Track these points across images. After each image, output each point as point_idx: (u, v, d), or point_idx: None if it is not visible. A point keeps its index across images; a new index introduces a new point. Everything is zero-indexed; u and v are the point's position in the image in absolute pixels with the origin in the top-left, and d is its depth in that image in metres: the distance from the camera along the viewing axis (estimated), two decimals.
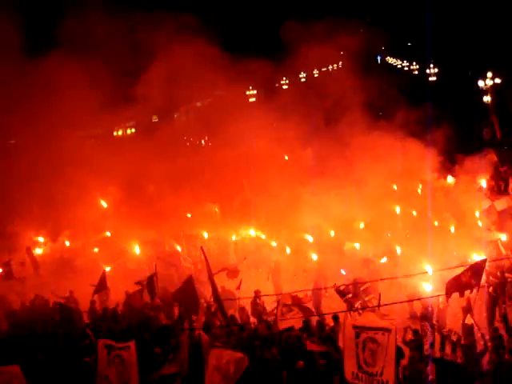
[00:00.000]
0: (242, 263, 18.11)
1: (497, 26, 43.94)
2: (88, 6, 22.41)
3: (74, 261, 20.26)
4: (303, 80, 37.78)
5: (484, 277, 14.88)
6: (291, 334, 13.16)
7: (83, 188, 21.31)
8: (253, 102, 30.92)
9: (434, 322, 13.76)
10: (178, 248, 19.92)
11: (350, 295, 14.36)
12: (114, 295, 16.59)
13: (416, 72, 61.40)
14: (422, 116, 24.59)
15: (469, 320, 12.54)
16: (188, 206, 21.97)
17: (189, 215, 22.03)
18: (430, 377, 11.74)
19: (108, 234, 21.56)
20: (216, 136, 25.29)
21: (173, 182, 21.84)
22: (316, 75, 37.55)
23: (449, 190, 21.41)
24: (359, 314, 13.66)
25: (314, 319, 14.02)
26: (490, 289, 14.62)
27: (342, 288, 14.62)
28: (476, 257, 15.69)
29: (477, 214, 19.33)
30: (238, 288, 15.74)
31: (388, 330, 10.28)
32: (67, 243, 21.58)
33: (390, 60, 71.08)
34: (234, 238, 20.80)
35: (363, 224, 19.78)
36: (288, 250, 19.09)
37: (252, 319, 14.91)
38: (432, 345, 12.04)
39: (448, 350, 12.25)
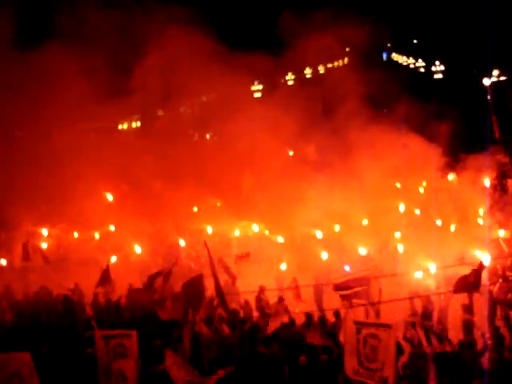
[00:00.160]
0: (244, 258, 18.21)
1: (503, 24, 43.79)
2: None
3: (79, 253, 20.38)
4: (308, 76, 37.75)
5: (486, 275, 15.00)
6: (292, 328, 13.24)
7: (87, 181, 21.40)
8: (258, 98, 30.92)
9: (435, 319, 13.85)
10: (182, 242, 20.00)
11: (349, 291, 14.38)
12: (117, 288, 16.70)
13: (422, 69, 61.26)
14: (426, 113, 24.56)
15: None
16: (191, 201, 22.05)
17: (195, 209, 22.12)
18: (430, 374, 11.82)
19: (112, 227, 21.66)
20: (220, 130, 25.33)
21: (176, 176, 21.92)
22: (321, 71, 37.50)
23: (452, 188, 21.44)
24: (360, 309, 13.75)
25: (316, 315, 14.10)
26: (493, 287, 14.64)
27: (339, 282, 14.64)
28: (479, 254, 15.75)
29: (480, 211, 19.36)
30: (234, 284, 15.87)
31: (388, 327, 10.35)
32: (74, 234, 21.70)
33: (396, 57, 70.89)
34: (236, 233, 20.87)
35: (366, 221, 19.83)
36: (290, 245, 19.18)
37: (255, 313, 15.01)
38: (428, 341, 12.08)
39: (435, 342, 12.33)
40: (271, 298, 15.50)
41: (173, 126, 25.77)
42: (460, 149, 25.57)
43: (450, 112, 25.32)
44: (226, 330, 13.70)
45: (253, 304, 15.37)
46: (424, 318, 13.95)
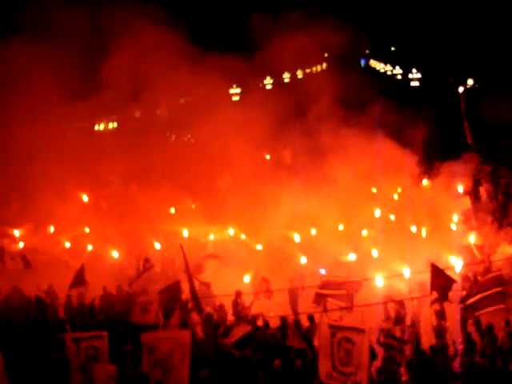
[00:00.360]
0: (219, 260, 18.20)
1: (480, 33, 44.51)
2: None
3: (53, 254, 20.14)
4: (287, 81, 37.89)
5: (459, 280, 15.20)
6: (266, 332, 13.24)
7: (61, 181, 21.17)
8: (236, 101, 30.93)
9: (408, 323, 13.97)
10: (157, 245, 19.88)
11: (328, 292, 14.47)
12: (91, 290, 16.55)
13: (399, 77, 61.90)
14: (402, 120, 24.83)
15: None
16: (166, 203, 21.96)
17: (172, 210, 22.04)
18: (404, 378, 11.91)
19: (86, 229, 21.45)
20: (197, 133, 25.29)
21: (152, 178, 21.82)
22: (300, 76, 37.66)
23: (426, 194, 21.63)
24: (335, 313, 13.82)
25: (291, 318, 14.11)
26: (464, 293, 14.81)
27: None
28: (453, 260, 15.93)
29: (454, 218, 19.58)
30: (209, 287, 15.86)
31: (362, 331, 10.41)
32: (47, 235, 21.43)
33: (374, 64, 71.50)
34: (212, 236, 20.81)
35: (342, 226, 19.93)
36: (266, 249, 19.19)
37: (230, 318, 14.97)
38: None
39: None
40: (247, 301, 15.48)
41: (149, 127, 25.66)
42: (435, 155, 25.85)
43: (425, 119, 25.60)
44: (199, 333, 13.67)
45: (228, 308, 15.33)
46: (396, 323, 14.08)
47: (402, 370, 11.96)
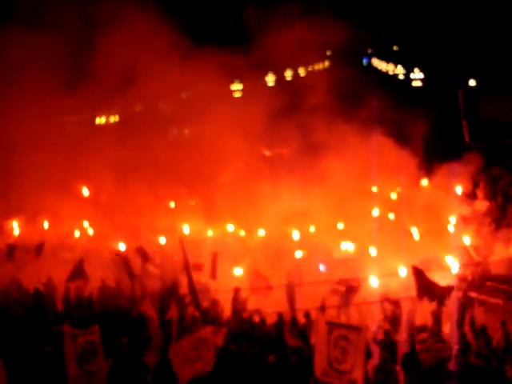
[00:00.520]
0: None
1: (482, 34, 44.48)
2: None
3: (53, 247, 20.16)
4: (289, 78, 37.87)
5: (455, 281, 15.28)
6: (263, 328, 13.30)
7: (61, 174, 21.19)
8: (237, 97, 30.93)
9: (403, 323, 14.04)
10: (160, 240, 19.92)
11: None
12: (90, 283, 16.60)
13: (401, 76, 61.82)
14: (403, 120, 24.84)
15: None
16: (165, 198, 21.99)
17: (172, 204, 22.07)
18: (400, 377, 11.97)
19: (86, 223, 21.48)
20: (197, 128, 25.31)
21: (151, 173, 21.83)
22: (302, 74, 37.66)
23: (424, 194, 21.66)
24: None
25: (288, 315, 14.18)
26: (461, 293, 14.86)
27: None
28: (449, 260, 15.98)
29: (452, 219, 19.62)
30: (214, 277, 15.90)
31: (358, 329, 10.45)
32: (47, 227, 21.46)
33: (376, 63, 71.41)
34: (211, 232, 20.86)
35: (342, 224, 19.98)
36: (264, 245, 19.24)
37: (227, 313, 15.04)
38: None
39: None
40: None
41: (150, 121, 25.65)
42: (434, 155, 25.85)
43: (425, 118, 25.61)
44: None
45: (224, 303, 15.38)
46: (392, 322, 14.15)
47: (398, 369, 12.02)
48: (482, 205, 21.17)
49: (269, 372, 11.77)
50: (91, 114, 28.72)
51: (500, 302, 14.57)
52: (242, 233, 20.44)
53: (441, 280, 15.14)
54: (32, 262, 18.68)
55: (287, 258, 18.07)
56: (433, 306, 14.07)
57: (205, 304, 15.04)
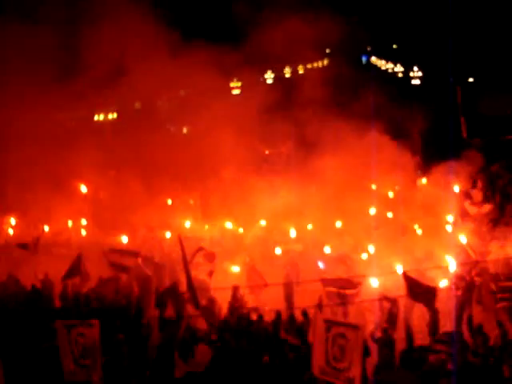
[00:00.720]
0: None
1: (480, 31, 44.52)
2: None
3: (51, 243, 20.16)
4: (288, 75, 37.85)
5: (453, 280, 15.28)
6: (261, 325, 13.31)
7: (59, 171, 21.15)
8: (235, 95, 30.92)
9: (400, 320, 14.05)
10: (154, 236, 19.91)
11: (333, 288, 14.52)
12: (87, 280, 16.58)
13: (400, 74, 61.84)
14: (401, 117, 24.84)
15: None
16: (163, 195, 21.98)
17: (169, 201, 22.06)
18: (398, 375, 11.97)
19: (84, 220, 21.46)
20: (195, 126, 25.30)
21: (148, 170, 21.81)
22: (301, 71, 37.63)
23: (423, 193, 21.66)
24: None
25: (286, 313, 14.19)
26: (459, 292, 14.87)
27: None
28: (447, 259, 15.99)
29: (449, 217, 19.61)
30: (210, 275, 15.87)
31: (356, 327, 10.45)
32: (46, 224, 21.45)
33: (375, 61, 71.40)
34: (209, 229, 20.85)
35: (340, 222, 19.98)
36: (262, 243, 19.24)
37: (224, 311, 15.03)
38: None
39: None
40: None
41: (151, 119, 25.63)
42: (433, 154, 25.86)
43: (424, 116, 25.63)
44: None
45: (222, 302, 15.38)
46: (389, 321, 14.16)
47: (396, 367, 12.03)
48: (480, 204, 21.18)
49: (266, 368, 11.78)
50: (88, 110, 28.68)
51: (497, 301, 14.59)
52: (240, 230, 20.43)
53: (438, 278, 15.18)
54: (29, 258, 18.66)
55: (284, 255, 18.06)
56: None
57: (203, 302, 15.04)
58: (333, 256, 17.71)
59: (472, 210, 20.63)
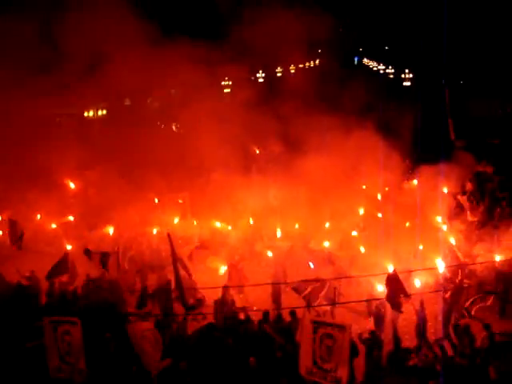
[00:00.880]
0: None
1: (474, 36, 44.82)
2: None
3: (38, 240, 19.99)
4: (279, 75, 37.85)
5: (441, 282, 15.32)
6: (249, 325, 13.26)
7: (48, 167, 20.98)
8: (226, 93, 30.87)
9: (388, 321, 14.05)
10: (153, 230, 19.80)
11: (308, 291, 14.46)
12: (75, 278, 16.45)
13: (391, 76, 62.13)
14: (391, 118, 24.88)
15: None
16: (153, 193, 21.87)
17: (155, 200, 21.95)
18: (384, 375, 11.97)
19: (71, 217, 21.30)
20: (185, 124, 25.20)
21: (138, 168, 21.69)
22: (292, 71, 37.67)
23: (412, 194, 21.66)
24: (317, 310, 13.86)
25: (273, 313, 14.14)
26: (447, 294, 14.89)
27: (297, 286, 14.72)
28: (436, 261, 16.00)
29: (438, 219, 19.64)
30: (191, 276, 15.85)
31: (343, 327, 10.42)
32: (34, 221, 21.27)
33: (367, 62, 71.68)
34: (198, 228, 20.75)
35: (328, 223, 19.95)
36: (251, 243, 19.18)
37: (211, 309, 14.97)
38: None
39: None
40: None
41: (141, 116, 25.50)
42: (423, 155, 25.92)
43: (414, 118, 25.69)
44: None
45: (210, 300, 15.33)
46: (377, 321, 14.16)
47: (385, 368, 12.03)
48: (469, 206, 21.22)
49: (253, 367, 11.73)
50: (75, 107, 28.51)
51: (484, 302, 14.65)
52: (228, 228, 20.37)
53: (427, 280, 15.20)
54: (13, 254, 18.49)
55: (273, 255, 18.00)
56: (416, 305, 14.10)
57: (190, 300, 14.98)
58: (320, 255, 17.68)
59: (462, 211, 20.67)
